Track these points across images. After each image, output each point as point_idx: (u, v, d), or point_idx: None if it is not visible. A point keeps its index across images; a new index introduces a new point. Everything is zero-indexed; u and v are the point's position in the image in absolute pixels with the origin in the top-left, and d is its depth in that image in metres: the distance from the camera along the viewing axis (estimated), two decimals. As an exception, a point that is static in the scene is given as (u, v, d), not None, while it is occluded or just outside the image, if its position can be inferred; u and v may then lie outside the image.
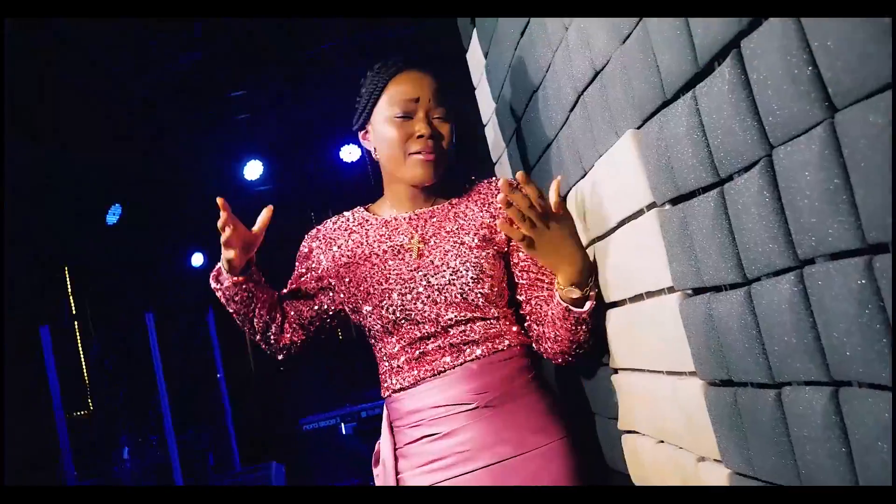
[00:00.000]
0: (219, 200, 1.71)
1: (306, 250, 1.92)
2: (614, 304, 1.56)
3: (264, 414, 7.18)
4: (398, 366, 1.75)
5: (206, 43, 5.44)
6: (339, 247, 1.85)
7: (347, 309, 1.87)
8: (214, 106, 6.82)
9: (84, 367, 7.00)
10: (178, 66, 5.79)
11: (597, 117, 1.38)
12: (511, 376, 1.71)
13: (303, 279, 1.91)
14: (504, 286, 1.76)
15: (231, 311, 1.89)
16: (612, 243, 1.47)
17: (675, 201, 1.17)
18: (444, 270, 1.71)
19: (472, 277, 1.70)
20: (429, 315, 1.71)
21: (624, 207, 1.35)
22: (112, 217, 7.30)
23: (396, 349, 1.75)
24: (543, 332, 1.70)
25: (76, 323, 7.37)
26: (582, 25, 1.36)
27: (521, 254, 1.75)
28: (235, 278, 1.82)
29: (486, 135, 2.56)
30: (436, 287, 1.71)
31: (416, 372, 1.72)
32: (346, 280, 1.82)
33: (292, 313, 1.91)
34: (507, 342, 1.72)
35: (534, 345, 1.76)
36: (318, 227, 1.92)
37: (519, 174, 1.46)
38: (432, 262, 1.74)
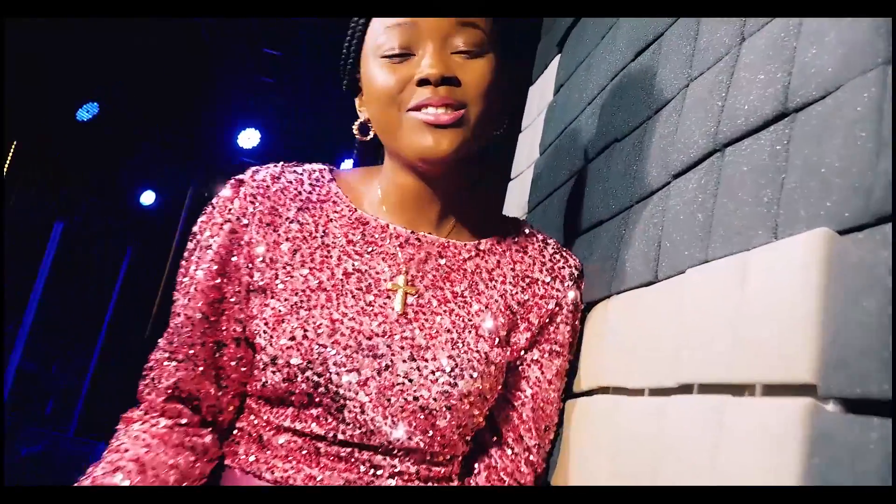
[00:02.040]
0: None
1: (226, 234, 1.07)
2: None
3: (131, 384, 6.35)
4: (269, 441, 1.05)
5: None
6: (282, 227, 1.08)
7: (235, 331, 1.08)
8: (244, 56, 6.21)
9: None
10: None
11: (740, 194, 0.75)
12: None
13: (227, 303, 1.08)
14: (487, 412, 1.09)
15: None
16: (671, 414, 0.81)
17: (855, 406, 0.53)
18: (426, 363, 1.03)
19: (459, 394, 1.02)
20: (366, 419, 1.01)
21: (725, 366, 0.71)
22: (84, 113, 6.61)
23: (284, 425, 1.04)
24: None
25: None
26: (777, 30, 0.73)
27: (536, 374, 1.11)
28: None
29: (509, 192, 1.93)
30: (401, 383, 1.02)
31: (289, 467, 1.03)
32: (260, 285, 1.07)
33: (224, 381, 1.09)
34: (450, 478, 1.08)
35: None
36: (248, 179, 1.10)
37: None
38: (414, 337, 1.04)
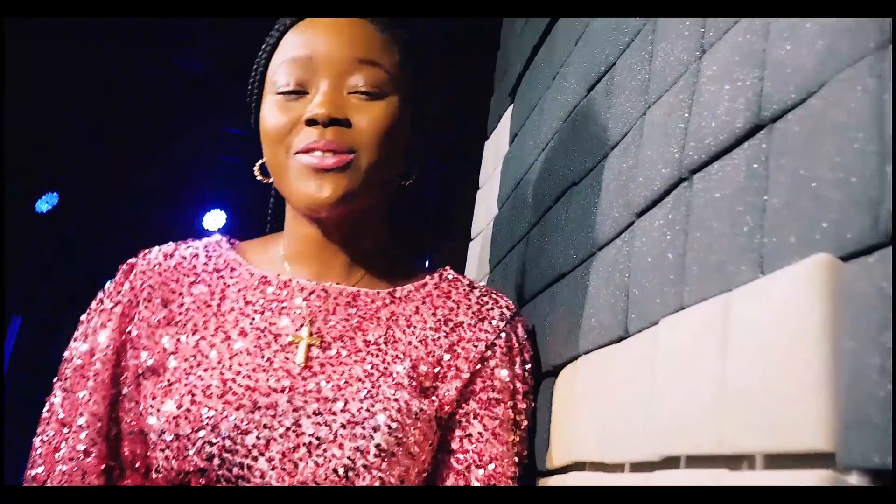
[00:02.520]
0: None
1: (117, 318, 0.98)
2: None
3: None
4: None
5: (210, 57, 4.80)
6: (175, 303, 0.98)
7: (131, 423, 0.94)
8: (204, 136, 6.14)
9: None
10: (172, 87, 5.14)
11: (716, 225, 0.63)
12: None
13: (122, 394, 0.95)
14: (421, 474, 0.93)
15: None
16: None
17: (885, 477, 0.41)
18: (336, 416, 0.88)
19: (377, 449, 0.87)
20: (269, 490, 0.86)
21: (715, 433, 0.58)
22: (44, 205, 6.48)
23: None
24: None
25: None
26: (742, 33, 0.63)
27: (478, 429, 0.96)
28: None
29: (470, 253, 1.82)
30: (307, 443, 0.87)
31: None
32: (148, 365, 0.95)
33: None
34: None
35: None
36: (139, 259, 1.03)
37: None
38: (320, 390, 0.91)
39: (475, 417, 0.97)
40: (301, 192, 0.93)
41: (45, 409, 0.96)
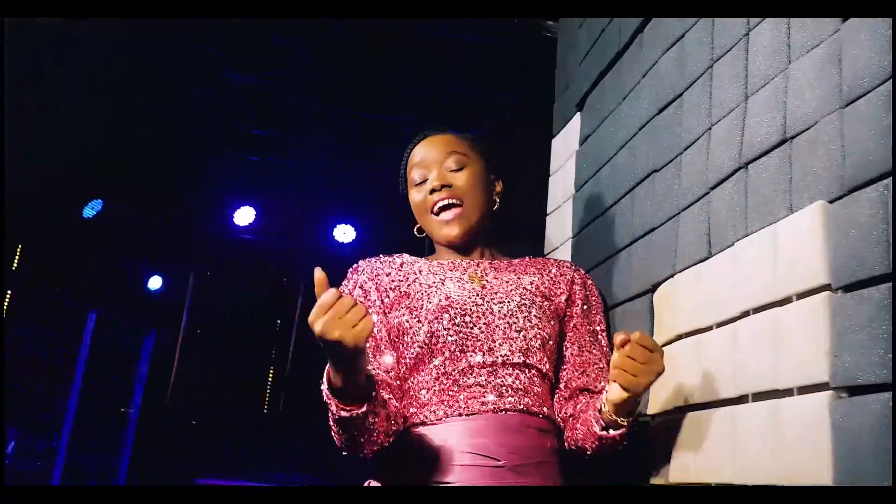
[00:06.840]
0: (317, 274, 1.26)
1: (356, 288, 1.69)
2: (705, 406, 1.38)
3: (163, 458, 6.65)
4: (427, 399, 1.54)
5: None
6: (387, 275, 1.69)
7: (384, 335, 1.63)
8: (232, 139, 6.69)
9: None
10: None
11: (763, 190, 1.25)
12: (542, 449, 1.53)
13: (386, 315, 1.66)
14: (555, 349, 1.64)
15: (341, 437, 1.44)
16: (734, 332, 1.30)
17: (850, 287, 1.02)
18: (507, 301, 1.61)
19: (535, 315, 1.60)
20: (482, 343, 1.55)
21: (769, 292, 1.20)
22: (90, 211, 7.01)
23: (431, 378, 1.55)
24: (571, 420, 1.57)
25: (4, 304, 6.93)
26: (773, 89, 1.24)
27: (574, 324, 1.68)
28: (354, 411, 1.36)
29: (548, 223, 2.42)
30: (498, 314, 1.58)
31: (445, 407, 1.52)
32: (395, 302, 1.65)
33: (394, 385, 1.58)
34: (545, 410, 1.58)
35: (559, 422, 1.61)
36: (360, 263, 1.74)
37: (636, 335, 1.32)
38: (496, 292, 1.63)
39: (578, 327, 1.68)
40: (442, 235, 1.70)
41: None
